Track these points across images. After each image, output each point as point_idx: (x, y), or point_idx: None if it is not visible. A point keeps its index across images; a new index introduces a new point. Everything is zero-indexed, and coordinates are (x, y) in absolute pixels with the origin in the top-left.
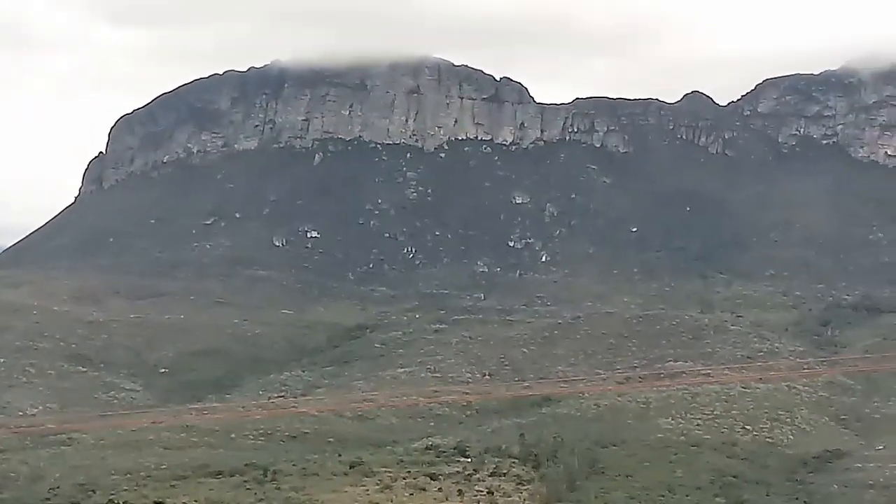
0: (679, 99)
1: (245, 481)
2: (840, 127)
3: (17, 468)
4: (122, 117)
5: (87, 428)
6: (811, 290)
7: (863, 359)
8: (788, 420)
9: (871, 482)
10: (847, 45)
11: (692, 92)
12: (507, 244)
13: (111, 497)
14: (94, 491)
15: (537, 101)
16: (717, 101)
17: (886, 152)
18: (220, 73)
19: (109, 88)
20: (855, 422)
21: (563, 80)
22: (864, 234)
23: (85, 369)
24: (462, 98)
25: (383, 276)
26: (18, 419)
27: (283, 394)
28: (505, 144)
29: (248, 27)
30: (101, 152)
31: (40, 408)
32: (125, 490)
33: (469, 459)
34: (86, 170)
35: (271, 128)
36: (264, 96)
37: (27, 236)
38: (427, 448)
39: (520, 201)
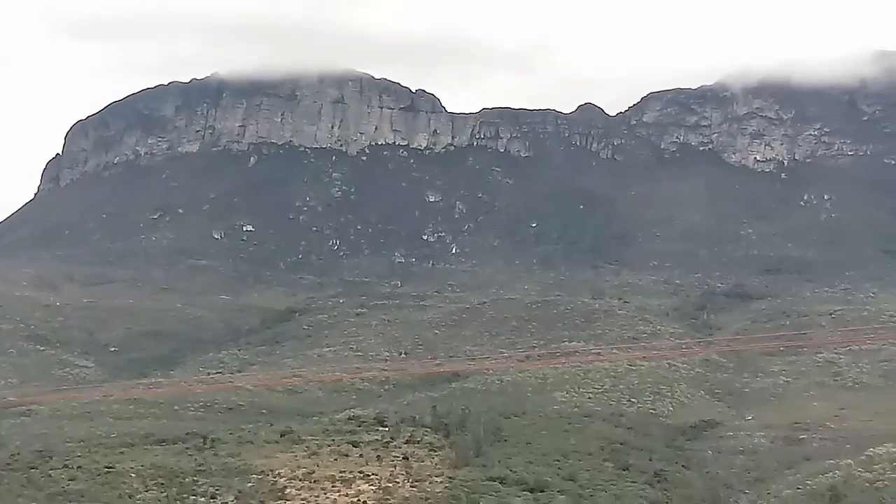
0: (574, 110)
1: (186, 448)
2: (715, 135)
3: None
4: (76, 122)
5: (45, 401)
6: (689, 279)
7: (734, 340)
8: (669, 394)
9: (740, 448)
10: (722, 62)
11: (585, 103)
12: (422, 238)
13: (66, 462)
14: (50, 457)
15: (448, 111)
16: (607, 112)
17: (755, 158)
18: (166, 83)
19: (65, 96)
20: (727, 395)
21: (472, 92)
22: (736, 229)
23: (42, 348)
24: (381, 108)
25: (311, 265)
26: None
27: (220, 370)
28: (419, 149)
29: (191, 43)
30: (57, 154)
31: (2, 382)
32: (79, 456)
33: (387, 428)
34: (44, 170)
35: (211, 133)
36: (205, 105)
37: None
38: (349, 419)
39: (432, 200)
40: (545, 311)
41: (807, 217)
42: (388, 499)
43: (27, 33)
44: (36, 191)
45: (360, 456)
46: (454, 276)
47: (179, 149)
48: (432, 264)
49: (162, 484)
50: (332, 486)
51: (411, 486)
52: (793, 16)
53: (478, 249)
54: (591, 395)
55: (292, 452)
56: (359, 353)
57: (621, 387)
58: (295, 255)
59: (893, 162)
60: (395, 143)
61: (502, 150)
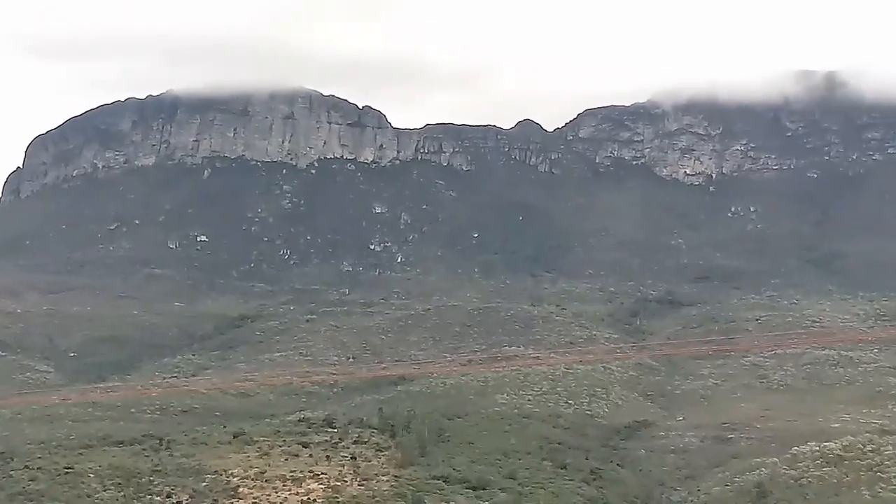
0: (513, 125)
1: (143, 449)
2: (647, 150)
3: None
4: (36, 137)
5: (6, 404)
6: (623, 287)
7: (665, 344)
8: (604, 396)
9: (672, 448)
10: (653, 81)
11: (524, 120)
12: (368, 247)
13: (27, 463)
14: (11, 458)
15: (394, 127)
16: (544, 128)
17: (685, 172)
18: (123, 99)
19: (25, 112)
20: (659, 397)
21: (416, 109)
22: (667, 239)
23: (4, 353)
24: (330, 123)
25: (262, 273)
26: None
27: (176, 374)
28: (366, 163)
29: (147, 61)
30: (18, 167)
31: None
32: (39, 458)
33: (335, 430)
34: (5, 182)
35: (166, 147)
36: (160, 120)
37: None
38: (300, 420)
39: (379, 211)
40: (486, 317)
41: (734, 228)
42: (336, 497)
43: None
44: None
45: (310, 456)
46: (400, 284)
47: (136, 162)
48: (379, 273)
49: (119, 484)
50: (283, 485)
51: (359, 485)
52: (720, 37)
53: (422, 259)
54: (530, 397)
55: (245, 453)
56: (308, 358)
57: (559, 389)
58: (247, 264)
59: (815, 175)
60: (342, 157)
61: (445, 164)
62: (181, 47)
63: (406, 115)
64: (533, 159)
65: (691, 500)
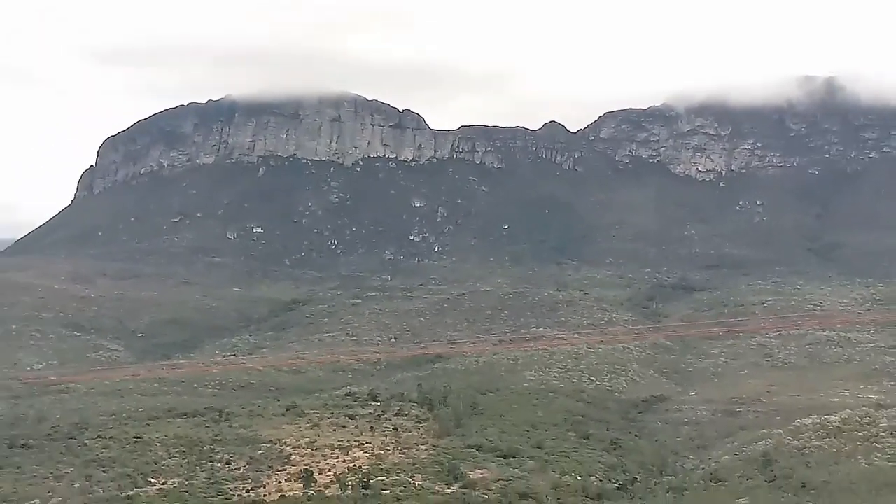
0: (540, 127)
1: (204, 421)
2: (662, 149)
3: (26, 411)
4: (107, 138)
5: (81, 380)
6: (640, 274)
7: (679, 326)
8: (623, 373)
9: (685, 420)
10: (668, 85)
11: (550, 121)
12: (408, 238)
13: (99, 433)
14: (86, 429)
15: (431, 128)
16: (568, 129)
17: (697, 169)
18: (185, 104)
19: (98, 115)
20: (674, 374)
21: (452, 112)
22: (681, 231)
23: (79, 334)
24: (373, 125)
25: (312, 262)
26: (27, 373)
27: (233, 353)
28: (406, 161)
29: (206, 69)
30: (91, 165)
31: (44, 364)
32: (111, 428)
33: (379, 403)
34: (79, 179)
35: (225, 147)
36: (219, 122)
37: (34, 231)
38: (346, 395)
39: (417, 205)
40: (516, 301)
41: (742, 220)
42: (379, 464)
43: (63, 61)
44: (72, 198)
45: (356, 427)
46: (436, 272)
47: (197, 161)
48: (417, 261)
49: (183, 451)
50: (331, 453)
51: (400, 453)
52: (729, 44)
53: (457, 248)
54: (555, 374)
55: (296, 424)
56: (354, 338)
57: (582, 367)
58: (298, 253)
59: (816, 172)
60: (384, 156)
61: (478, 162)
62: (237, 55)
63: (439, 116)
64: (558, 158)
65: (703, 468)
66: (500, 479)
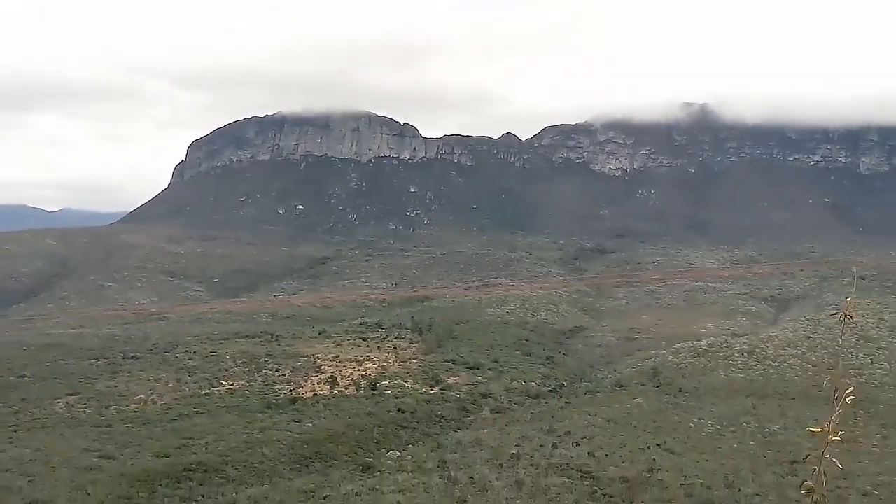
0: (500, 136)
1: (260, 341)
2: (585, 153)
3: (135, 333)
4: (194, 141)
5: (174, 311)
6: (569, 241)
7: (595, 277)
8: (555, 310)
9: (598, 343)
10: (590, 106)
11: (507, 132)
12: (406, 214)
13: (186, 349)
14: (177, 345)
15: (423, 136)
16: (520, 138)
17: (609, 167)
18: (249, 117)
19: (186, 125)
20: (591, 311)
21: (438, 125)
22: (597, 211)
23: (172, 279)
24: (382, 134)
25: (338, 230)
26: (136, 306)
27: (281, 294)
28: (405, 160)
29: (264, 91)
30: (182, 160)
31: (148, 300)
32: (194, 345)
33: (383, 330)
34: (174, 169)
35: (277, 148)
36: (273, 130)
37: (141, 206)
38: (361, 324)
39: (413, 191)
40: (481, 259)
41: (640, 204)
42: (384, 372)
43: (159, 85)
44: (168, 183)
45: (367, 346)
46: (425, 238)
47: (257, 158)
48: (412, 230)
49: (245, 362)
50: (350, 364)
51: (398, 365)
52: (632, 77)
53: (440, 222)
54: (508, 310)
55: (325, 344)
56: (367, 284)
57: (526, 306)
58: (328, 224)
59: (693, 171)
60: (390, 156)
61: (455, 161)
62: (286, 82)
63: (429, 128)
64: (512, 158)
65: (610, 377)
66: (468, 384)
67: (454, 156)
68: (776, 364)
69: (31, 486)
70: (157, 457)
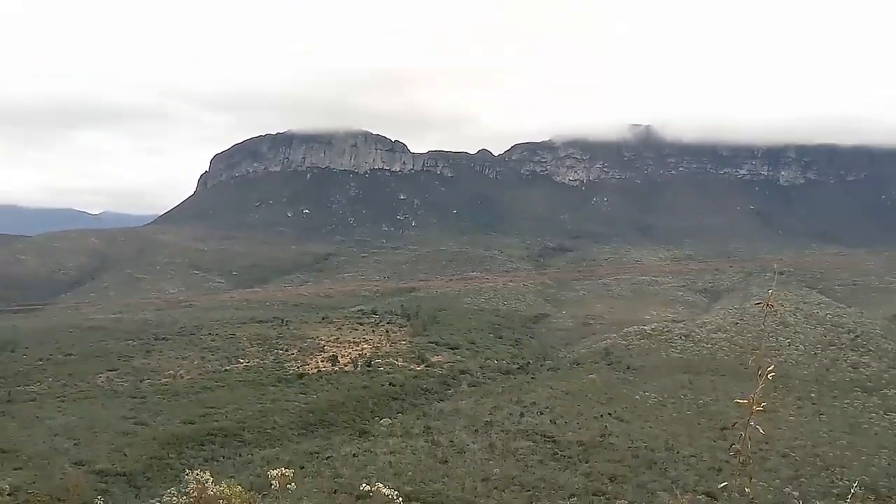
0: (476, 151)
1: (272, 325)
2: (549, 167)
3: (165, 318)
4: (216, 154)
5: (199, 299)
6: (535, 241)
7: (557, 272)
8: (523, 299)
9: (559, 328)
10: (552, 126)
11: (482, 149)
12: (397, 217)
13: (209, 332)
14: (201, 328)
15: (411, 151)
16: (494, 153)
17: (569, 179)
18: (263, 134)
19: (209, 141)
20: (553, 300)
21: (424, 142)
22: (559, 216)
23: (197, 272)
24: (377, 149)
25: (339, 230)
26: (167, 295)
27: (290, 285)
28: (396, 171)
29: (276, 112)
30: (205, 171)
31: (177, 290)
32: (216, 328)
33: (377, 316)
34: (198, 179)
35: (287, 161)
36: (284, 146)
37: (171, 210)
38: (358, 311)
39: (402, 198)
40: (460, 256)
41: (595, 210)
42: (377, 352)
43: (185, 106)
44: (194, 190)
45: (363, 330)
46: (413, 238)
47: (270, 169)
48: (402, 231)
49: (259, 343)
50: (349, 345)
51: (390, 346)
52: (588, 102)
53: (425, 224)
54: (483, 300)
55: (328, 328)
56: (363, 277)
57: (499, 296)
58: (330, 226)
59: (639, 182)
60: (383, 168)
61: (439, 173)
62: (295, 104)
63: (416, 144)
64: (487, 171)
65: (569, 356)
66: (448, 362)
67: (437, 168)
68: (709, 346)
69: (76, 448)
70: (184, 423)
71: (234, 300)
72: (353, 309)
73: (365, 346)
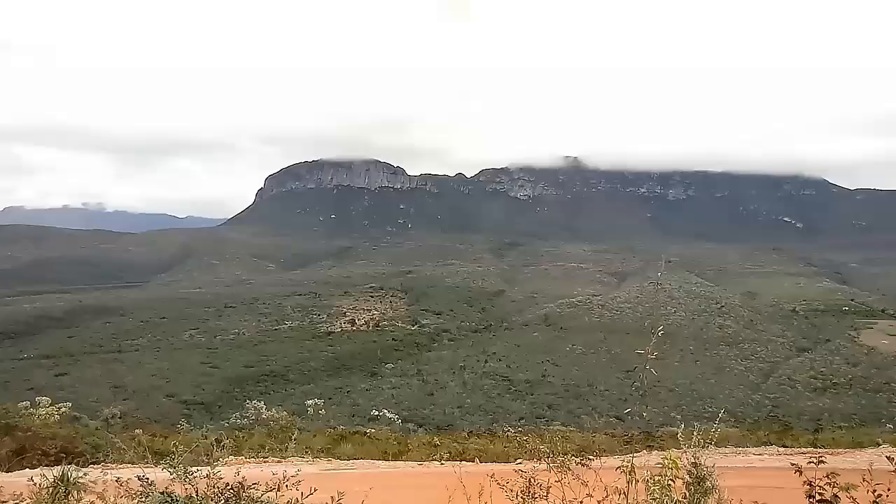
0: (454, 174)
1: (308, 297)
2: (506, 185)
3: (233, 292)
4: (269, 175)
5: (256, 279)
6: (497, 239)
7: (512, 261)
8: (487, 279)
9: (513, 300)
10: (509, 156)
11: (458, 173)
12: (398, 221)
13: (262, 302)
14: (257, 299)
15: (408, 174)
16: (467, 176)
17: (520, 195)
18: (301, 161)
19: (264, 166)
20: (510, 280)
21: (418, 167)
22: (514, 221)
23: (256, 259)
24: (383, 173)
25: (357, 233)
26: (233, 276)
27: (322, 268)
28: (398, 188)
29: (309, 145)
30: (261, 187)
31: (241, 272)
32: (268, 300)
33: (384, 290)
34: (256, 193)
35: (319, 181)
36: (317, 170)
37: (237, 215)
38: (370, 286)
39: (402, 208)
40: (442, 249)
41: (538, 216)
42: (384, 316)
43: (248, 141)
44: (253, 201)
45: (374, 301)
46: (410, 237)
47: (307, 187)
48: (402, 231)
49: (299, 310)
50: (363, 312)
51: (393, 312)
52: (532, 135)
53: (418, 226)
54: (459, 279)
55: (348, 299)
56: (373, 263)
57: (470, 276)
58: (350, 228)
59: (569, 197)
60: (388, 186)
61: (428, 190)
62: (325, 140)
63: (414, 169)
64: (462, 188)
65: (519, 321)
66: (434, 324)
67: (427, 186)
68: (619, 312)
69: (167, 384)
70: (245, 367)
71: (282, 279)
72: (366, 286)
73: (375, 312)
